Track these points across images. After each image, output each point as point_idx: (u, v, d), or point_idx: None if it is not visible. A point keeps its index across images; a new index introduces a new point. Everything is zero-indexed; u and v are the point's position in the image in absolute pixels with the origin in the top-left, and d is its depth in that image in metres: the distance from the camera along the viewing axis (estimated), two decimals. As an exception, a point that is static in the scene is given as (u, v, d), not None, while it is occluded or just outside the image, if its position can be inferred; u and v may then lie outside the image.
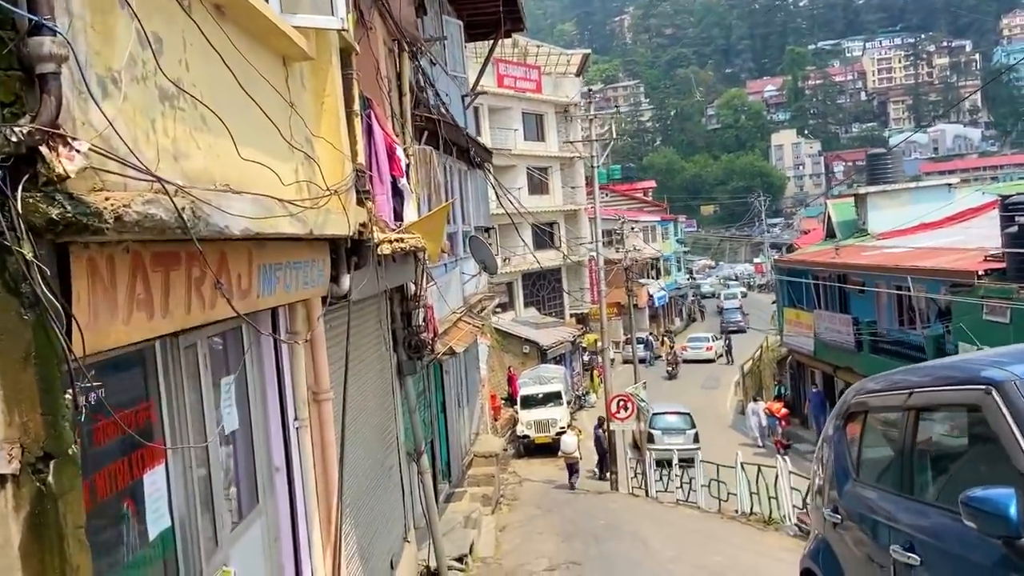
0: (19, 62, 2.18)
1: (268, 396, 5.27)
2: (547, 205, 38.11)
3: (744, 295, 68.34)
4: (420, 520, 10.08)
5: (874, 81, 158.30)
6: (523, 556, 11.22)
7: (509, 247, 30.55)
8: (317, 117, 5.21)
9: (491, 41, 16.15)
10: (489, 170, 15.72)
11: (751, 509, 14.01)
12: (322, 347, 5.94)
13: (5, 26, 2.16)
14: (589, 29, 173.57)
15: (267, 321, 5.18)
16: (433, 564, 9.71)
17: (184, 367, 3.99)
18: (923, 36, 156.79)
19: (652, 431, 22.76)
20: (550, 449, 23.31)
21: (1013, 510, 2.55)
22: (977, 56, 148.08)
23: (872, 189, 25.85)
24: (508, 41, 39.28)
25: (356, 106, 6.13)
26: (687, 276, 72.25)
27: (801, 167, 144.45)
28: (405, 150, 8.41)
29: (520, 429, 24.38)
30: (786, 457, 13.75)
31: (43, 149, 2.10)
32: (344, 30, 5.16)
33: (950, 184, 26.27)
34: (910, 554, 3.18)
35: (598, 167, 22.02)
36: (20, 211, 2.10)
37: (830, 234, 27.78)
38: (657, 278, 53.96)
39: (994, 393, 2.86)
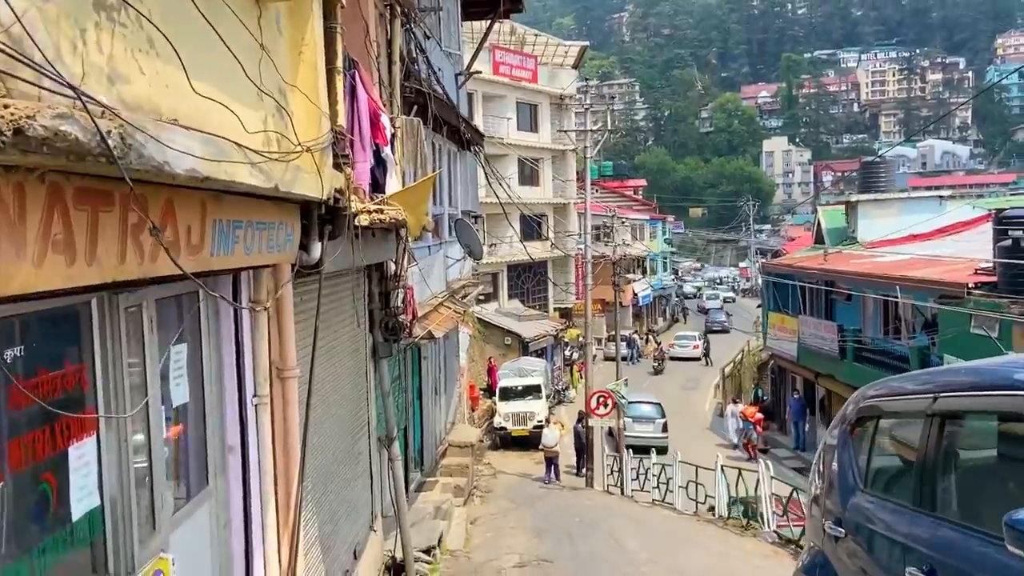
0: None
1: (225, 369, 4.85)
2: (537, 197, 37.72)
3: (732, 300, 68.41)
4: (388, 509, 9.70)
5: (867, 93, 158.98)
6: (493, 551, 10.86)
7: (496, 235, 30.18)
8: (293, 67, 4.78)
9: (488, 20, 15.70)
10: (480, 150, 15.29)
11: (729, 513, 13.71)
12: (290, 321, 5.52)
13: None
14: (588, 24, 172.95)
15: (227, 286, 4.76)
16: (399, 555, 9.32)
17: (125, 329, 3.57)
18: (918, 51, 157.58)
19: (624, 419, 22.72)
20: (527, 442, 23.04)
21: None
22: (970, 74, 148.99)
23: (864, 197, 25.67)
24: (506, 28, 38.84)
25: (339, 63, 5.70)
26: (673, 277, 72.19)
27: (791, 175, 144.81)
28: (392, 120, 7.98)
29: (497, 421, 24.07)
30: (768, 462, 13.42)
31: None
32: (327, -26, 4.73)
33: (941, 196, 26.13)
34: (931, 579, 2.81)
35: (590, 158, 21.64)
36: None
37: (819, 240, 27.58)
38: (643, 276, 53.83)
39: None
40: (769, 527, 12.03)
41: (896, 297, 17.71)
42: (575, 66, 42.86)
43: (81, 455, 3.27)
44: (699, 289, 77.50)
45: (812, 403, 25.67)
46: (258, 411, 5.11)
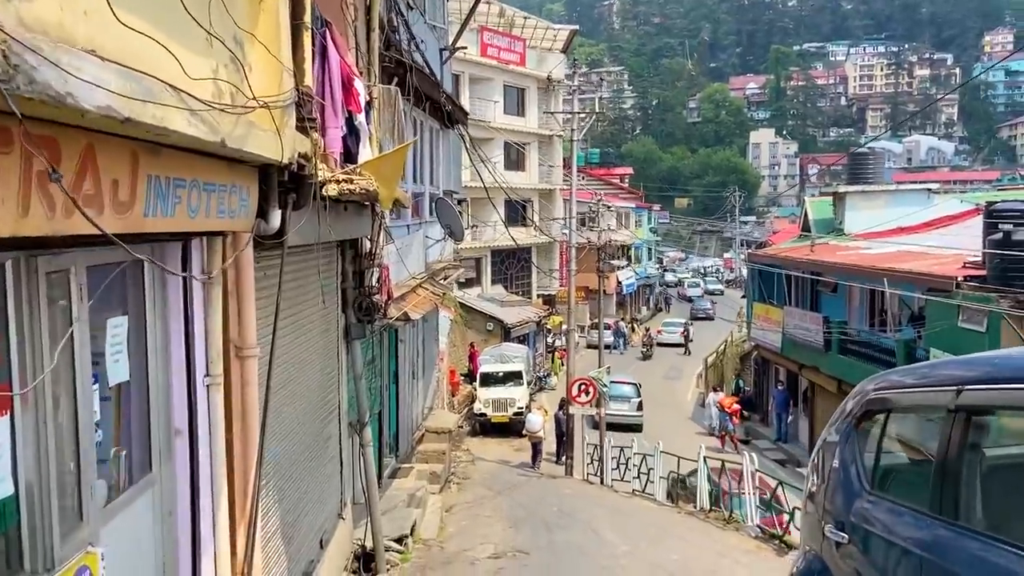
0: None
1: (172, 347, 4.43)
2: (523, 182, 37.27)
3: (720, 292, 68.10)
4: (360, 496, 9.33)
5: (855, 87, 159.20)
6: (468, 540, 10.52)
7: (480, 219, 29.75)
8: (252, 16, 4.34)
9: (475, -3, 15.21)
10: (464, 129, 14.84)
11: (710, 505, 13.45)
12: (250, 296, 5.11)
13: None
14: (577, 11, 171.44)
15: (175, 255, 4.34)
16: (369, 544, 8.96)
17: (46, 296, 3.15)
18: (906, 46, 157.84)
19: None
20: (507, 428, 22.76)
21: None
22: (957, 70, 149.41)
23: (852, 189, 25.42)
24: (494, 10, 38.25)
25: (307, 19, 5.26)
26: (658, 266, 71.89)
27: (777, 167, 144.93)
28: (368, 87, 7.54)
29: (478, 407, 23.76)
30: (753, 455, 13.15)
31: None
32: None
33: (930, 189, 25.95)
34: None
35: (577, 140, 21.21)
36: None
37: (806, 231, 27.35)
38: (628, 265, 53.64)
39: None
40: (752, 521, 11.76)
41: (884, 288, 17.46)
42: (564, 50, 42.34)
43: (-11, 437, 2.87)
44: (680, 280, 76.87)
45: (795, 394, 25.54)
46: (210, 392, 4.70)
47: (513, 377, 24.57)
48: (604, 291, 27.23)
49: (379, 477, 11.27)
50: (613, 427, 22.12)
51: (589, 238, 25.89)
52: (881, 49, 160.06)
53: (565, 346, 23.46)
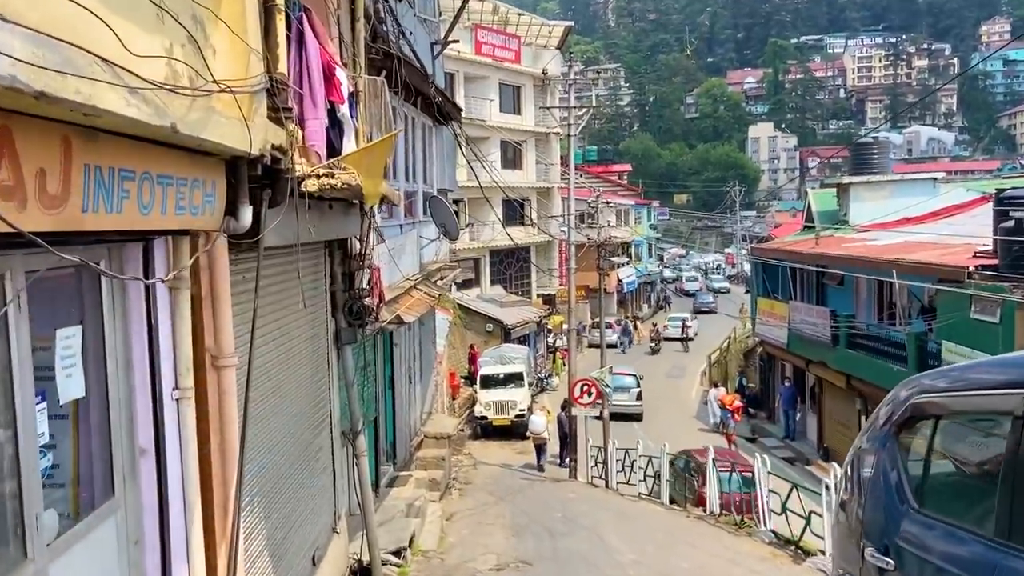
0: None
1: (135, 359, 4.04)
2: (520, 181, 36.88)
3: (726, 291, 67.49)
4: (355, 508, 8.93)
5: (854, 79, 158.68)
6: (470, 551, 10.12)
7: (478, 219, 29.38)
8: (214, -7, 3.94)
9: (468, -11, 14.80)
10: (458, 126, 14.45)
11: (720, 509, 13.02)
12: (226, 301, 4.72)
13: None
14: (572, 9, 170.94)
15: (135, 257, 3.95)
16: (366, 558, 8.57)
17: (-27, 306, 2.77)
18: (904, 37, 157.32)
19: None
20: (509, 431, 22.39)
21: None
22: (955, 60, 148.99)
23: (856, 179, 25.01)
24: (488, 7, 37.82)
25: (279, 0, 4.87)
26: (658, 263, 71.39)
27: (776, 161, 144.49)
28: (353, 78, 7.15)
29: (479, 410, 23.37)
30: (765, 457, 12.70)
31: None
32: None
33: (935, 178, 25.53)
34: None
35: (574, 136, 20.79)
36: None
37: (809, 223, 26.95)
38: (628, 262, 53.27)
39: None
40: (766, 526, 11.33)
41: (893, 280, 17.04)
42: (559, 47, 41.92)
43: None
44: (678, 275, 76.65)
45: (803, 391, 25.13)
46: (180, 406, 4.30)
47: (514, 379, 24.20)
48: (604, 289, 26.84)
49: (376, 487, 10.89)
50: (614, 416, 22.19)
51: (588, 235, 25.47)
52: (879, 40, 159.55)
53: (566, 346, 23.07)
